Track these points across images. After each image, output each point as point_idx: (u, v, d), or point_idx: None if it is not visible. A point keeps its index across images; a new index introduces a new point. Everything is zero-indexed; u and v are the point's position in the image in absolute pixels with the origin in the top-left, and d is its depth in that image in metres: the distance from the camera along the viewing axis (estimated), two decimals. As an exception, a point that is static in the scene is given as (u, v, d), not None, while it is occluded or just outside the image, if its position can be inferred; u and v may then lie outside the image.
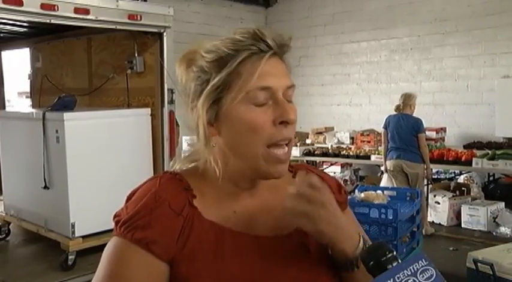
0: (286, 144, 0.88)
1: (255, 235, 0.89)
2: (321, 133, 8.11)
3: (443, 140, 7.10)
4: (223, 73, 0.85)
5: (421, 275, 0.75)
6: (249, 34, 0.87)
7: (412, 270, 0.76)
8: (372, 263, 0.79)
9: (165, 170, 4.33)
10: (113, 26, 4.01)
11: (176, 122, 4.40)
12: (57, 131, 3.97)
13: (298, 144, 7.50)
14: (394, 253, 0.79)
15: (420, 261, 0.77)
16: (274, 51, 0.87)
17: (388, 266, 0.78)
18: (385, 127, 5.32)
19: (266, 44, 0.87)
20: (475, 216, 5.45)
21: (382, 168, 5.50)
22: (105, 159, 4.14)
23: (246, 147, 0.87)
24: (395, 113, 5.32)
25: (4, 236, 4.81)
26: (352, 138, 7.61)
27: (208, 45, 0.88)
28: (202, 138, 0.89)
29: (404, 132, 5.19)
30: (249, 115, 0.85)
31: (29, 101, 6.25)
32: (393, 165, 5.27)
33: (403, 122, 5.22)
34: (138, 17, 4.02)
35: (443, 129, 7.28)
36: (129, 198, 0.90)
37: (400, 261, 0.78)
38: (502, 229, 5.20)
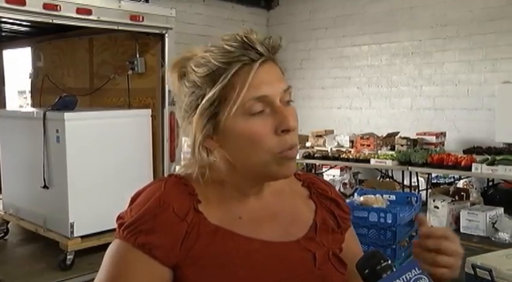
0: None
1: (262, 240, 0.88)
2: (320, 136, 8.09)
3: (443, 145, 7.09)
4: (217, 88, 0.83)
5: None
6: (238, 43, 0.84)
7: (406, 279, 0.77)
8: (367, 271, 0.80)
9: (165, 171, 4.36)
10: (115, 27, 4.02)
11: (177, 123, 4.40)
12: (57, 131, 3.97)
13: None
14: (389, 262, 0.80)
15: (413, 270, 0.78)
16: (265, 58, 0.85)
17: (383, 274, 0.78)
18: None
19: (256, 51, 0.84)
20: (474, 221, 5.43)
21: None
22: (105, 160, 4.14)
23: (250, 158, 0.85)
24: None
25: (3, 235, 4.81)
26: (352, 141, 7.59)
27: (198, 57, 0.86)
28: (192, 150, 0.88)
29: None
30: (247, 127, 0.84)
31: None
32: None
33: None
34: (140, 17, 4.03)
35: (443, 134, 7.27)
36: (133, 200, 0.89)
37: (394, 269, 0.79)
38: (501, 235, 5.18)
